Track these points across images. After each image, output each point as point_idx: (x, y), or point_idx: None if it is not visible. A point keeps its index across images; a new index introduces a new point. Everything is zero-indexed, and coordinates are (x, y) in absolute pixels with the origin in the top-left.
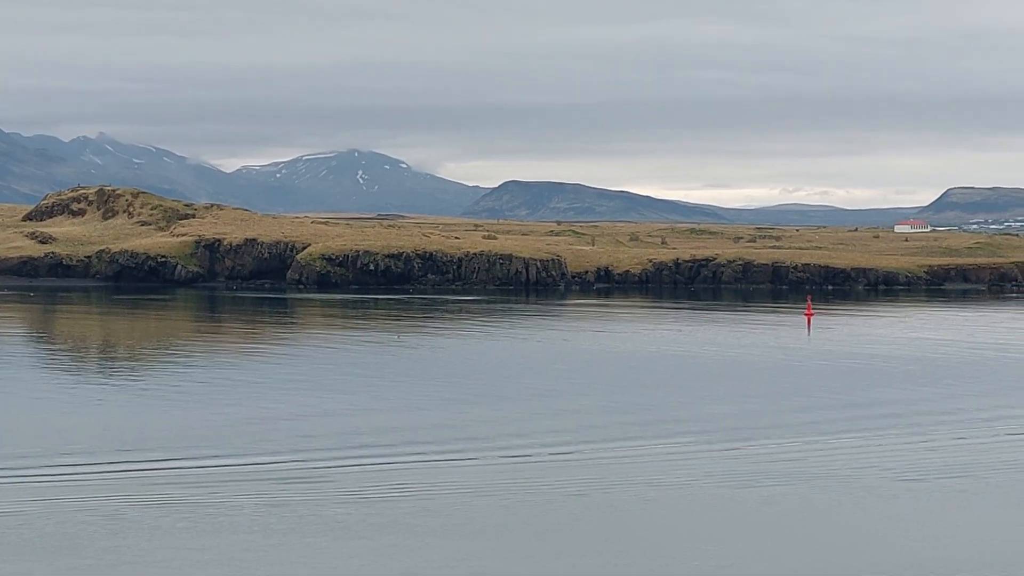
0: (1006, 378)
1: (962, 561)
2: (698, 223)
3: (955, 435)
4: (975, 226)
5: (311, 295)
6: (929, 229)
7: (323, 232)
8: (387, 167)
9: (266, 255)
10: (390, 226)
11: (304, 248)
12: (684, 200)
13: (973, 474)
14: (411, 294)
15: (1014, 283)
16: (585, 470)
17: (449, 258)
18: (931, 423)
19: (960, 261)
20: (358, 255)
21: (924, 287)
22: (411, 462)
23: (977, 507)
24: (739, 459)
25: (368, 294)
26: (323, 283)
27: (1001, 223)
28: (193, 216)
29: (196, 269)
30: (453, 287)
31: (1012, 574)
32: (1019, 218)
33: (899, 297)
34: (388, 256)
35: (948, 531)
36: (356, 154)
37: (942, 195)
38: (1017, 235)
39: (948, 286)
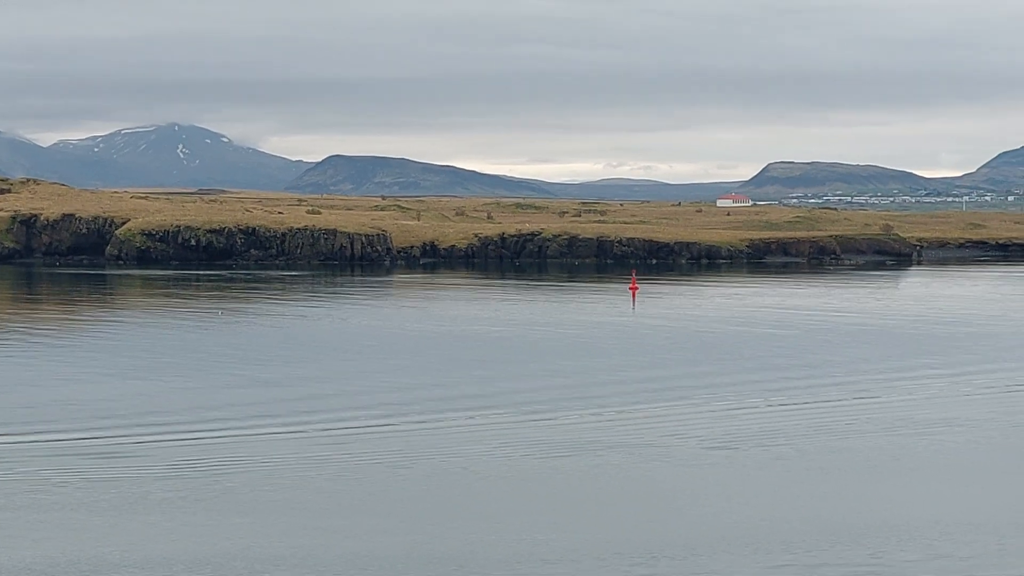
0: (823, 346)
1: (763, 530)
2: (524, 197)
3: (768, 402)
4: (795, 200)
5: (131, 271)
6: (750, 203)
7: (143, 207)
8: (208, 141)
9: (84, 231)
10: (212, 201)
11: (123, 223)
12: (509, 175)
13: (781, 441)
14: (233, 270)
15: (832, 256)
16: (401, 442)
17: (272, 233)
18: (747, 391)
19: (780, 235)
20: (179, 230)
21: (746, 261)
22: (222, 437)
23: (784, 474)
24: (554, 430)
25: (190, 270)
26: (143, 259)
27: (820, 197)
28: (9, 191)
29: (12, 245)
30: (276, 262)
31: (817, 541)
32: (837, 192)
33: (721, 270)
34: (210, 231)
35: (753, 499)
36: (176, 128)
37: (762, 170)
38: (835, 209)
39: (769, 259)
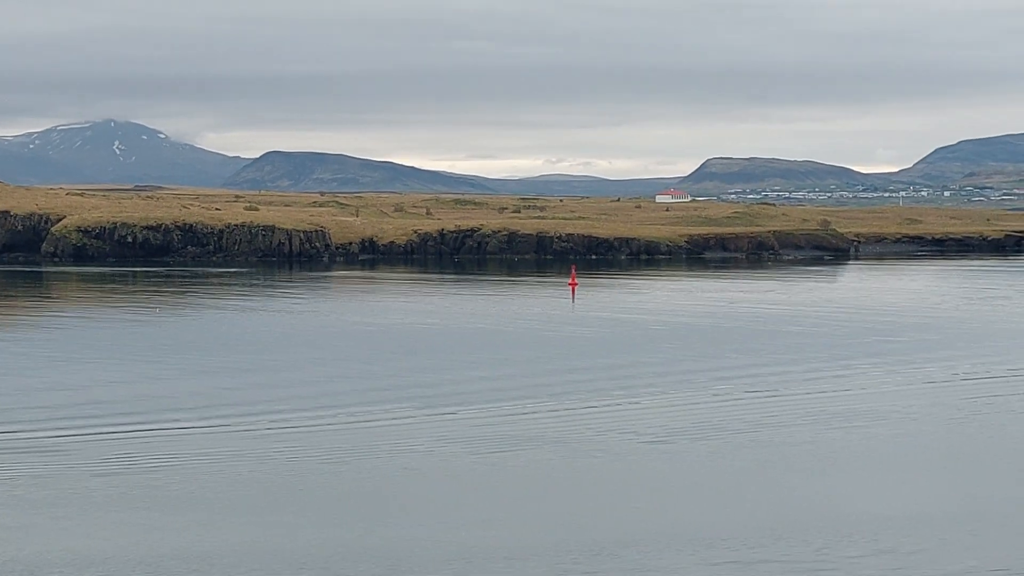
0: (758, 339)
1: (706, 526)
2: (463, 194)
3: (703, 396)
4: (733, 196)
5: (67, 268)
6: (689, 199)
7: (79, 204)
8: (145, 137)
9: (19, 228)
10: (148, 197)
11: (59, 221)
12: (449, 171)
13: (716, 435)
14: (171, 267)
15: (771, 251)
16: (336, 438)
17: (210, 230)
18: (683, 385)
19: (719, 230)
20: (115, 227)
21: (685, 256)
22: (157, 433)
23: (723, 469)
24: (490, 425)
25: (127, 267)
26: (80, 256)
27: (758, 193)
28: None
29: None
30: (214, 259)
31: (760, 538)
32: (775, 188)
33: (661, 266)
34: (147, 228)
35: (693, 494)
36: (112, 124)
37: (701, 165)
38: (773, 204)
39: (708, 255)
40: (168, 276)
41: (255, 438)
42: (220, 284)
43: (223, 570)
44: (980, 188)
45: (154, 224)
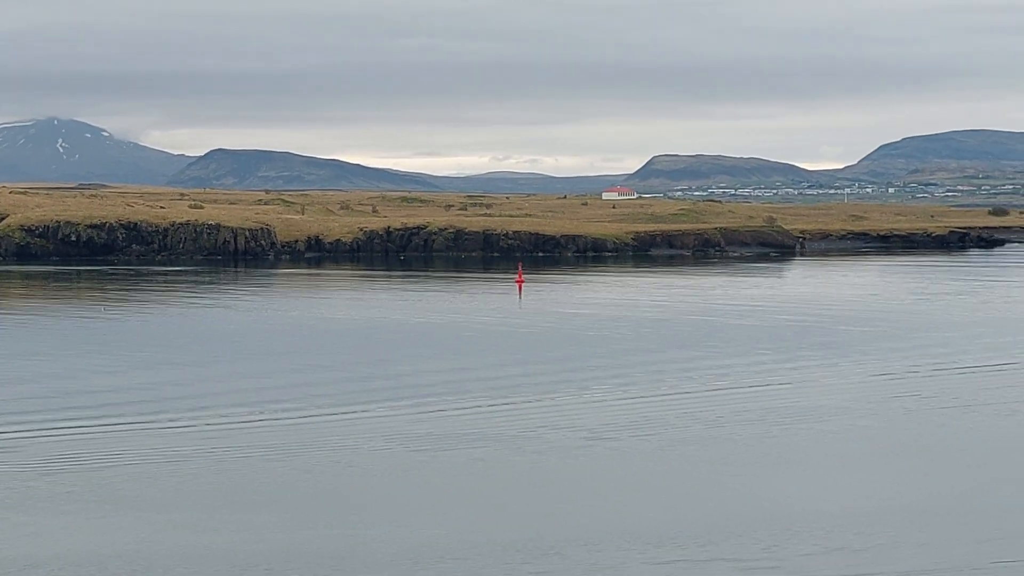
0: (703, 335)
1: (654, 523)
2: (409, 191)
3: (647, 392)
4: (679, 193)
5: (10, 267)
6: (635, 196)
7: (22, 202)
8: (88, 135)
9: None
10: (92, 196)
11: (2, 219)
12: (395, 168)
13: (661, 431)
14: (115, 265)
15: (716, 248)
16: (281, 436)
17: (154, 228)
18: (628, 380)
19: (665, 227)
20: (59, 226)
21: (631, 253)
22: (100, 431)
23: (669, 466)
24: (435, 422)
25: (71, 266)
26: (23, 255)
27: (704, 190)
28: None
29: None
30: (159, 258)
31: (709, 535)
32: (721, 185)
33: (607, 263)
34: (91, 227)
35: (640, 492)
36: (56, 122)
37: (647, 163)
38: (720, 201)
39: (654, 252)
40: (113, 275)
41: (199, 436)
42: (165, 283)
43: (167, 571)
44: (924, 185)
45: (98, 223)
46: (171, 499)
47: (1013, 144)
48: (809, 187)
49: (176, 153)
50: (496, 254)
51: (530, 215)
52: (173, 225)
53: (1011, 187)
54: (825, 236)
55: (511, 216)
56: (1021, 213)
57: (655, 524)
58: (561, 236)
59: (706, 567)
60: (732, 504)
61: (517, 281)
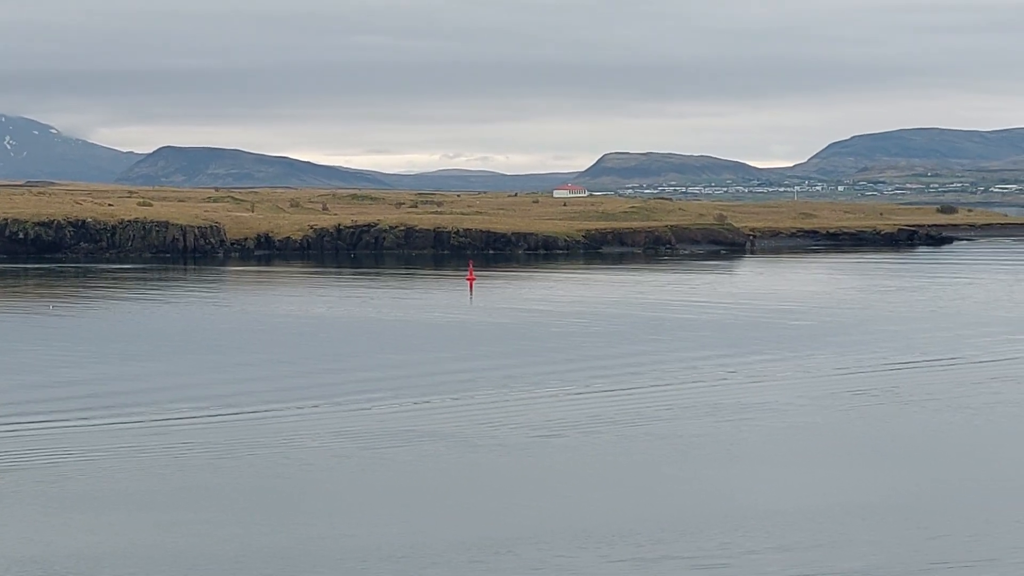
0: (650, 333)
1: (605, 520)
2: (360, 189)
3: (592, 389)
4: (630, 191)
5: None
6: (586, 194)
7: None
8: (36, 132)
9: None
10: (40, 193)
11: None
12: (345, 166)
13: (607, 429)
14: (63, 263)
15: (667, 246)
16: (229, 434)
17: (103, 226)
18: (574, 378)
19: (616, 225)
20: (6, 223)
21: (583, 251)
22: (50, 429)
23: (618, 463)
24: (384, 419)
25: (18, 264)
26: None
27: (655, 187)
28: None
29: None
30: (107, 255)
31: (661, 533)
32: (672, 183)
33: (558, 261)
34: (38, 224)
35: (589, 489)
36: (3, 119)
37: (598, 160)
38: (670, 199)
39: (605, 250)
40: (61, 273)
41: (144, 433)
42: (114, 280)
43: (113, 571)
44: (873, 183)
45: (46, 220)
46: (119, 498)
47: (961, 142)
48: (759, 185)
49: (125, 150)
50: (447, 252)
51: (481, 213)
52: (122, 223)
53: (959, 185)
54: (775, 234)
55: (462, 214)
56: (969, 211)
57: (608, 522)
58: (512, 234)
59: (659, 565)
60: (684, 502)
61: (468, 279)
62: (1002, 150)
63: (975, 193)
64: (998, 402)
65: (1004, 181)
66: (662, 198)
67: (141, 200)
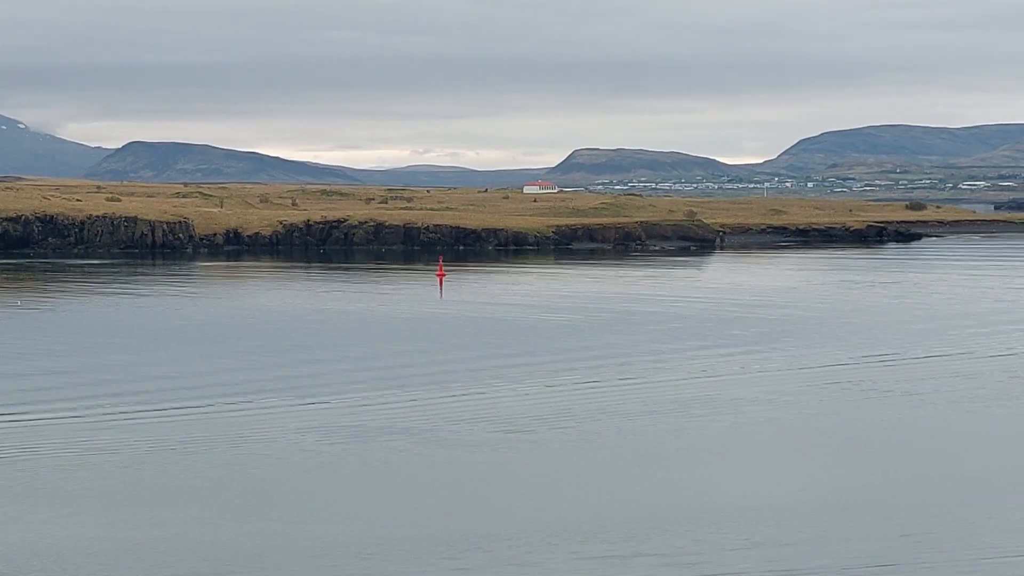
0: (617, 329)
1: (576, 517)
2: (329, 184)
3: (557, 384)
4: (600, 187)
5: None
6: (557, 190)
7: None
8: (3, 127)
9: None
10: (8, 188)
11: None
12: (315, 161)
13: (574, 424)
14: (31, 259)
15: (637, 242)
16: (193, 428)
17: (71, 221)
18: (545, 372)
19: (587, 221)
20: None
21: (553, 247)
22: (12, 423)
23: (587, 459)
24: (350, 414)
25: None
26: None
27: (625, 184)
28: None
29: None
30: (76, 251)
31: (634, 529)
32: (642, 179)
33: (529, 257)
34: (6, 219)
35: (560, 485)
36: None
37: (569, 156)
38: (640, 195)
39: (576, 246)
40: (29, 268)
41: (110, 428)
42: (82, 276)
43: (79, 569)
44: (843, 179)
45: (13, 215)
46: (86, 493)
47: (930, 139)
48: (729, 181)
49: (93, 146)
50: (417, 248)
51: (451, 209)
52: (90, 218)
53: (928, 182)
54: (745, 230)
55: (432, 210)
56: (938, 208)
57: (578, 518)
58: (482, 230)
59: (631, 562)
60: (656, 498)
61: (438, 275)
62: (971, 147)
63: (944, 190)
64: (966, 397)
65: (972, 178)
66: (632, 194)
67: (109, 195)
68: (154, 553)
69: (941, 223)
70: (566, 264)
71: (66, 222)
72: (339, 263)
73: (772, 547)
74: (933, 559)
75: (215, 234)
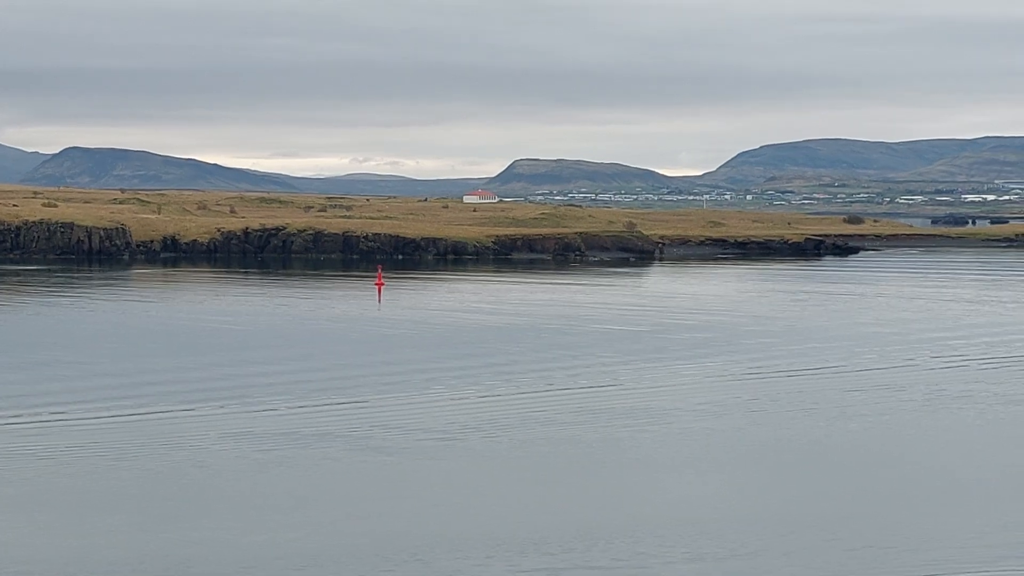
0: (556, 339)
1: (512, 528)
2: (268, 192)
3: (498, 392)
4: (540, 197)
5: None
6: (496, 200)
7: None
8: None
9: None
10: None
11: None
12: (254, 168)
13: (505, 432)
14: None
15: (577, 252)
16: (120, 434)
17: (6, 227)
18: (477, 381)
19: (526, 231)
20: None
21: (492, 257)
22: None
23: (521, 468)
24: (279, 420)
25: None
26: None
27: (565, 194)
28: None
29: None
30: (11, 256)
31: (571, 541)
32: (582, 190)
33: (468, 266)
34: None
35: (494, 495)
36: None
37: (509, 166)
38: (580, 206)
39: (515, 256)
40: None
41: (35, 433)
42: (16, 282)
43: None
44: (781, 192)
45: None
46: (16, 502)
47: (868, 153)
48: (668, 193)
49: (30, 150)
50: (356, 256)
51: (390, 217)
52: (26, 224)
53: (866, 195)
54: (684, 242)
55: (371, 218)
56: (875, 221)
57: (517, 528)
58: (421, 239)
59: (571, 574)
60: (596, 509)
61: (377, 283)
62: (908, 161)
63: (881, 204)
64: (897, 408)
65: (910, 192)
66: (572, 205)
67: (46, 201)
68: (90, 562)
69: (879, 237)
70: (505, 274)
71: (1, 228)
72: (277, 271)
73: (714, 560)
74: (876, 573)
75: (152, 241)
